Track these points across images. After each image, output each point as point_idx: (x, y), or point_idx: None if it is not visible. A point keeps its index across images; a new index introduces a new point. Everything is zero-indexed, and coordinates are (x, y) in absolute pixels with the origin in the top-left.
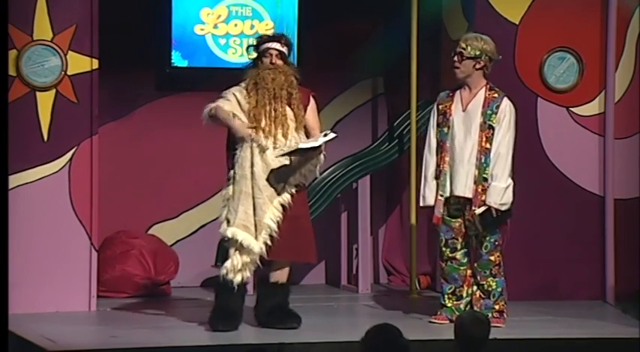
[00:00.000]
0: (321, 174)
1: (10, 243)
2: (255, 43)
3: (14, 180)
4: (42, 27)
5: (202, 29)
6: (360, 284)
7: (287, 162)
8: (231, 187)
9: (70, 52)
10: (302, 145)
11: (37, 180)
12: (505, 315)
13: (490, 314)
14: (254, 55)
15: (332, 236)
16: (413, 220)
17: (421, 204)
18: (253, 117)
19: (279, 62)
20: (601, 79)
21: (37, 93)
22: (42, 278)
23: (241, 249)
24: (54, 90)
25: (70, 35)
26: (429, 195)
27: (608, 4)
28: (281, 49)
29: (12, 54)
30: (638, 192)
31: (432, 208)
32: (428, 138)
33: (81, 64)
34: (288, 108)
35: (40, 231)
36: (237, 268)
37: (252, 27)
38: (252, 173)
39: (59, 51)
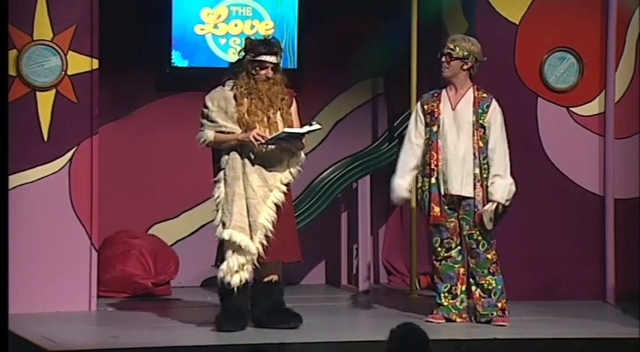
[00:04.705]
0: (321, 174)
1: (10, 242)
2: (250, 49)
3: (14, 180)
4: (42, 27)
5: (202, 29)
6: (360, 284)
7: (273, 152)
8: (222, 189)
9: (70, 52)
10: (287, 130)
11: (37, 180)
12: (507, 313)
13: (494, 313)
14: (244, 56)
15: (332, 236)
16: (413, 220)
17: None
18: (245, 125)
19: (274, 75)
20: (601, 79)
21: (37, 93)
22: (42, 278)
23: (238, 250)
24: (54, 90)
25: (70, 35)
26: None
27: (608, 4)
28: (277, 61)
29: (12, 54)
30: (638, 192)
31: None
32: (412, 133)
33: (81, 63)
34: (278, 114)
35: (40, 231)
36: (233, 270)
37: (252, 27)
38: (245, 173)
39: (59, 51)
